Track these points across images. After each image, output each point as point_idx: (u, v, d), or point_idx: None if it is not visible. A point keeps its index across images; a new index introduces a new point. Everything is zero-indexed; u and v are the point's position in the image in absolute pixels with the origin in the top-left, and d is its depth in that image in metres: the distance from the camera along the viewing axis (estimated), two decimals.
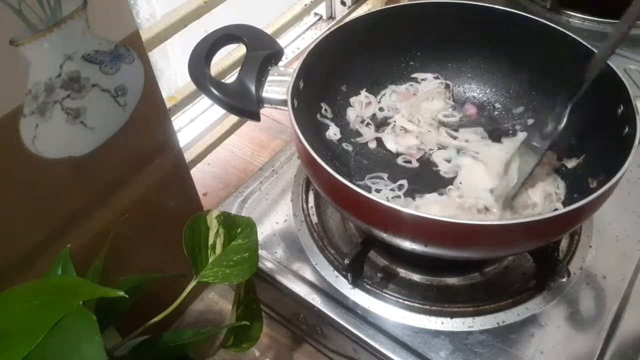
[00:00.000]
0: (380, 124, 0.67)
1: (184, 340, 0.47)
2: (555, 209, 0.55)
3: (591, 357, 0.51)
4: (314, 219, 0.63)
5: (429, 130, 0.65)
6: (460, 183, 0.60)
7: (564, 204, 0.56)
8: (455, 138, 0.65)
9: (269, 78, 0.56)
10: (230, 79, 0.61)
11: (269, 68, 0.56)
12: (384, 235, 0.48)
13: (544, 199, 0.57)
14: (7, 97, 0.39)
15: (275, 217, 0.64)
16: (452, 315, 0.54)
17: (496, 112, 0.68)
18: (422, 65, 0.69)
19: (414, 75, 0.69)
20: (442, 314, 0.54)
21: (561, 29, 0.58)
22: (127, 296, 0.34)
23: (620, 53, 0.83)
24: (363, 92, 0.67)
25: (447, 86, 0.69)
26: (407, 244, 0.48)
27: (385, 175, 0.61)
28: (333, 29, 0.60)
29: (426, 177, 0.62)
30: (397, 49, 0.67)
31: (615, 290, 0.56)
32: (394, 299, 0.55)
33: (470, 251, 0.49)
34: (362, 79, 0.67)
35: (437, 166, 0.63)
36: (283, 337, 0.66)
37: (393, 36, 0.65)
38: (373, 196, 0.44)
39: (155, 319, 0.45)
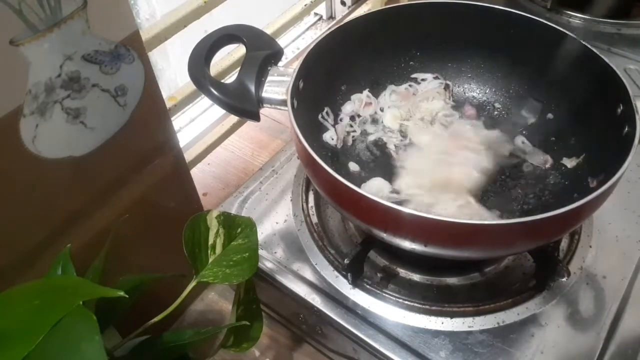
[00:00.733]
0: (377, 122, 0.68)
1: (184, 340, 0.47)
2: None
3: (591, 357, 0.51)
4: (314, 219, 0.63)
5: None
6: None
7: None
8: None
9: (269, 78, 0.56)
10: (230, 79, 0.61)
11: (269, 68, 0.56)
12: (384, 235, 0.48)
13: None
14: (7, 97, 0.39)
15: (275, 217, 0.64)
16: (452, 315, 0.54)
17: (496, 112, 0.68)
18: (422, 65, 0.69)
19: (414, 76, 0.69)
20: (442, 313, 0.54)
21: (561, 29, 0.58)
22: (127, 296, 0.34)
23: (621, 53, 0.83)
24: (365, 92, 0.67)
25: (446, 86, 0.69)
26: (407, 244, 0.48)
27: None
28: (333, 29, 0.60)
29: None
30: (397, 49, 0.67)
31: (615, 290, 0.56)
32: (394, 299, 0.55)
33: (470, 251, 0.49)
34: (362, 79, 0.67)
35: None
36: (283, 337, 0.66)
37: (393, 36, 0.65)
38: (373, 196, 0.44)
39: (155, 319, 0.45)
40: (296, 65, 0.55)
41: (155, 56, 0.92)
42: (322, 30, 1.03)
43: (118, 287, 0.35)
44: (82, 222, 0.49)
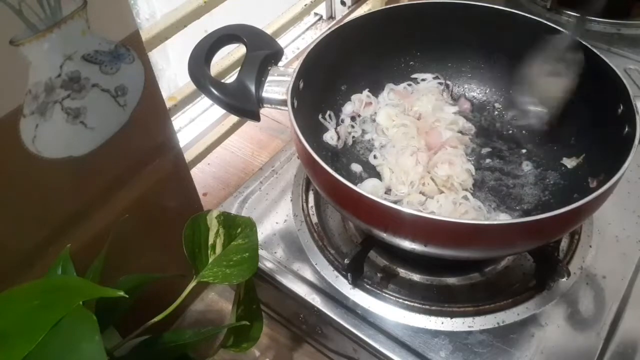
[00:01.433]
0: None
1: (184, 340, 0.47)
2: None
3: (591, 357, 0.51)
4: (314, 219, 0.63)
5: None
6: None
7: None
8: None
9: (269, 78, 0.56)
10: (230, 79, 0.61)
11: (269, 68, 0.56)
12: (384, 235, 0.48)
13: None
14: (7, 97, 0.39)
15: (275, 217, 0.64)
16: (452, 315, 0.54)
17: (496, 112, 0.68)
18: (422, 65, 0.69)
19: (414, 76, 0.69)
20: (442, 313, 0.54)
21: (561, 29, 0.58)
22: (127, 296, 0.34)
23: (621, 53, 0.83)
24: (365, 92, 0.67)
25: (446, 86, 0.69)
26: (407, 244, 0.48)
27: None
28: (333, 29, 0.60)
29: None
30: (397, 49, 0.67)
31: (615, 290, 0.56)
32: (394, 299, 0.55)
33: (470, 251, 0.49)
34: (362, 79, 0.67)
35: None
36: (283, 337, 0.66)
37: (393, 36, 0.65)
38: (373, 196, 0.44)
39: (155, 319, 0.45)
40: (296, 65, 0.55)
41: (155, 56, 0.92)
42: (322, 30, 1.03)
43: (118, 287, 0.35)
44: (82, 222, 0.49)
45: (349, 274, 0.56)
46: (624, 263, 0.58)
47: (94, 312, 0.34)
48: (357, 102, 0.67)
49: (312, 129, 0.61)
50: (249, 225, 0.52)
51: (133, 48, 0.46)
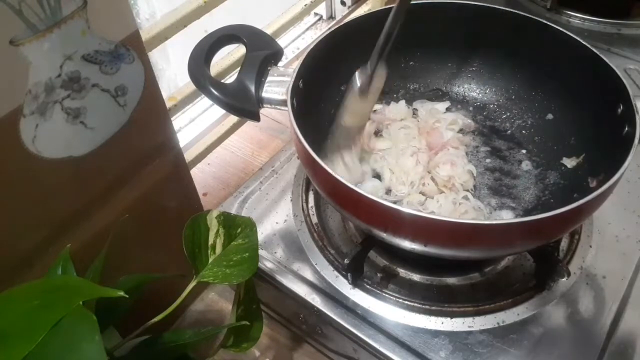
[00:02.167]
0: None
1: (184, 340, 0.47)
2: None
3: (591, 357, 0.51)
4: (314, 219, 0.63)
5: None
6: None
7: None
8: None
9: (269, 78, 0.56)
10: (230, 79, 0.61)
11: (269, 68, 0.56)
12: (384, 235, 0.48)
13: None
14: (7, 97, 0.39)
15: (275, 217, 0.64)
16: (452, 315, 0.54)
17: (496, 112, 0.68)
18: (422, 65, 0.69)
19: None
20: (442, 313, 0.54)
21: (561, 29, 0.58)
22: (127, 296, 0.34)
23: (621, 53, 0.83)
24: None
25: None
26: (407, 244, 0.48)
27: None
28: (333, 29, 0.60)
29: None
30: (397, 49, 0.67)
31: (615, 290, 0.56)
32: (394, 299, 0.55)
33: (470, 251, 0.49)
34: None
35: None
36: (283, 337, 0.66)
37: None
38: (373, 196, 0.44)
39: (155, 319, 0.45)
40: (296, 65, 0.55)
41: (155, 56, 0.92)
42: (322, 30, 1.03)
43: (118, 287, 0.35)
44: (82, 222, 0.49)
45: (349, 274, 0.56)
46: (624, 263, 0.58)
47: (94, 312, 0.34)
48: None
49: (312, 129, 0.61)
50: (249, 225, 0.52)
51: (133, 48, 0.46)
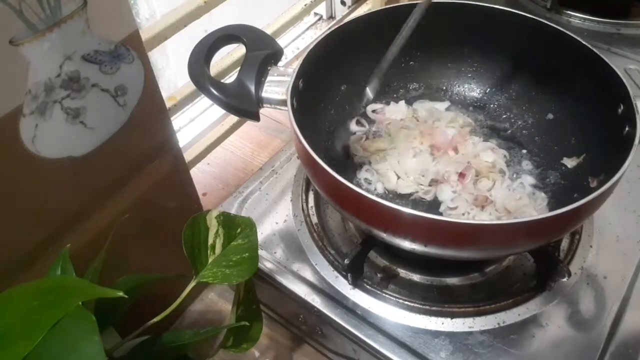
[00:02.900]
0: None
1: (184, 340, 0.47)
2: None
3: (592, 357, 0.51)
4: (314, 219, 0.63)
5: None
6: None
7: None
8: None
9: (269, 78, 0.55)
10: (230, 79, 0.61)
11: (269, 68, 0.56)
12: (384, 235, 0.48)
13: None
14: (7, 97, 0.39)
15: (275, 217, 0.64)
16: (453, 315, 0.54)
17: (496, 112, 0.68)
18: (422, 65, 0.69)
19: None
20: (442, 314, 0.54)
21: (561, 29, 0.58)
22: (126, 296, 0.34)
23: (620, 53, 0.83)
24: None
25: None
26: (407, 244, 0.48)
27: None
28: (333, 29, 0.60)
29: None
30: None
31: (615, 291, 0.56)
32: (394, 299, 0.55)
33: (470, 251, 0.48)
34: (362, 79, 0.67)
35: None
36: (283, 337, 0.66)
37: (393, 36, 0.64)
38: (373, 196, 0.44)
39: (155, 319, 0.45)
40: (296, 65, 0.55)
41: (155, 56, 0.92)
42: (322, 30, 1.03)
43: (118, 287, 0.35)
44: (82, 222, 0.49)
45: (349, 274, 0.56)
46: (625, 263, 0.58)
47: (94, 312, 0.34)
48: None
49: (312, 129, 0.61)
50: (249, 226, 0.52)
51: (133, 48, 0.46)
